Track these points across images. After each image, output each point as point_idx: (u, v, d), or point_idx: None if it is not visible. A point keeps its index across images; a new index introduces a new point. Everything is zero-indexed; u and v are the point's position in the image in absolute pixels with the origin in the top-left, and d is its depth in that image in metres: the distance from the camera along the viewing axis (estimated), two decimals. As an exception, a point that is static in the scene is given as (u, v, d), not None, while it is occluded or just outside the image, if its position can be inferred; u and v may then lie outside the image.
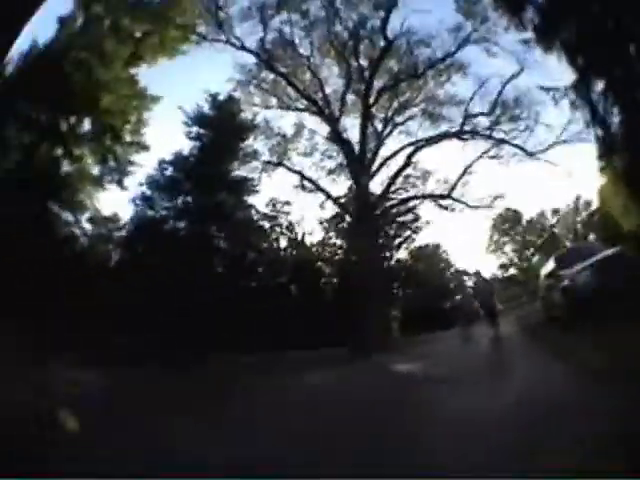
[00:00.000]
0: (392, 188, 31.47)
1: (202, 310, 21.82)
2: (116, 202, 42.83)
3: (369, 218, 28.49)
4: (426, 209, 35.95)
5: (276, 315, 25.42)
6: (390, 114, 31.36)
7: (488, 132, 29.54)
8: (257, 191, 31.06)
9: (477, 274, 60.50)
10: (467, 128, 29.98)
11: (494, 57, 28.28)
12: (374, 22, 28.91)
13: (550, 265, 17.08)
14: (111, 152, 23.44)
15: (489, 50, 28.12)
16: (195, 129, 29.94)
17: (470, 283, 59.60)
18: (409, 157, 30.83)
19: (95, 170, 23.64)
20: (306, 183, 31.49)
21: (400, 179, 31.84)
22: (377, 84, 30.21)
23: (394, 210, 34.11)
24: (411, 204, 34.29)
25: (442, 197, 31.31)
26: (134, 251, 27.26)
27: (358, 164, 29.36)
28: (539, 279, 20.34)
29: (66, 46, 20.46)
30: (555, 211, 65.03)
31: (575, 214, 63.03)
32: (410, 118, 31.43)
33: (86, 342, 16.14)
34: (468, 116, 29.82)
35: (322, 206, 32.84)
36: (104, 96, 21.16)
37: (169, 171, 29.26)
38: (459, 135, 30.27)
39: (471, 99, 29.63)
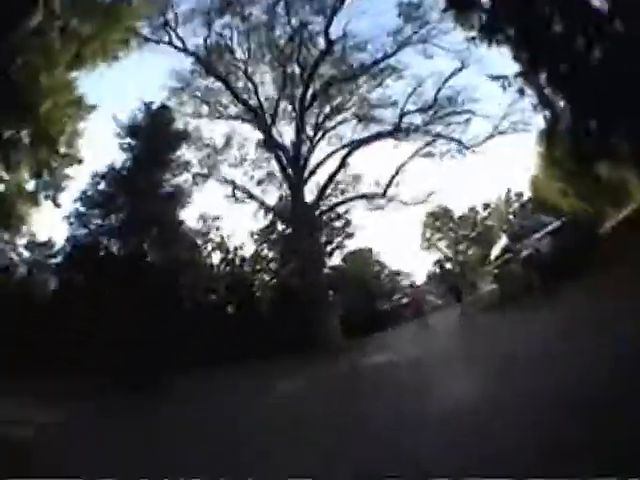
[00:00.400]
0: (326, 193, 31.39)
1: (140, 332, 21.15)
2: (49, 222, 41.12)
3: (303, 225, 28.19)
4: (359, 213, 35.70)
5: (214, 331, 25.42)
6: (322, 119, 31.39)
7: (424, 128, 29.84)
8: (189, 203, 30.77)
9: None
10: (402, 127, 30.16)
11: (431, 59, 29.23)
12: (314, 27, 29.15)
13: (501, 244, 16.95)
14: (46, 165, 21.77)
15: (427, 51, 28.81)
16: (128, 140, 29.34)
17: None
18: (343, 160, 30.81)
19: (30, 185, 22.24)
20: (238, 193, 31.22)
21: (333, 184, 31.88)
22: (311, 89, 30.16)
23: (328, 215, 34.30)
24: (343, 209, 34.97)
25: (376, 197, 31.40)
26: (70, 279, 26.46)
27: (291, 171, 29.22)
28: (490, 263, 20.84)
29: (16, 48, 18.50)
30: (486, 205, 67.39)
31: (507, 206, 65.61)
32: (342, 122, 31.71)
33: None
34: (403, 114, 30.11)
35: (255, 215, 32.68)
36: (45, 102, 19.51)
37: (102, 185, 28.60)
38: (393, 134, 30.50)
39: (408, 98, 30.00)
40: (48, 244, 28.75)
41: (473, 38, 18.61)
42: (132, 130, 29.38)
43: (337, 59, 29.86)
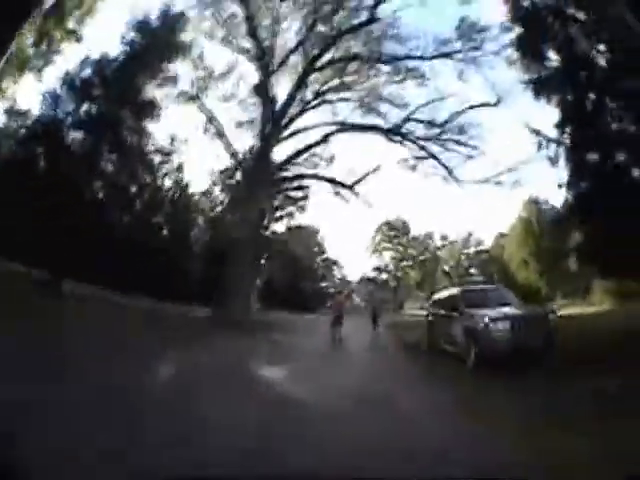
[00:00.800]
0: (297, 160, 29.38)
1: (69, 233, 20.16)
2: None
3: (261, 182, 26.13)
4: (322, 195, 33.77)
5: (142, 255, 24.41)
6: (325, 88, 29.02)
7: (422, 142, 27.88)
8: (159, 116, 27.93)
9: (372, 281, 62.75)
10: (401, 130, 28.20)
11: (464, 82, 27.01)
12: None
13: (450, 295, 15.91)
14: (47, 35, 21.13)
15: (464, 74, 26.51)
16: (131, 35, 26.97)
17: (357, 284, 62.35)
18: (325, 136, 28.65)
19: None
20: (211, 126, 28.55)
21: (306, 155, 29.75)
22: (329, 55, 27.70)
23: (289, 183, 32.12)
24: (306, 183, 32.28)
25: (344, 186, 29.19)
26: (27, 154, 24.67)
27: (272, 124, 26.88)
28: (429, 302, 19.38)
29: None
30: (444, 237, 66.98)
31: (463, 247, 65.59)
32: (344, 100, 29.38)
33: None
34: (408, 119, 28.03)
35: (219, 156, 29.55)
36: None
37: (87, 72, 26.19)
38: (388, 133, 28.47)
39: (420, 106, 27.82)
40: (28, 114, 25.94)
41: (532, 82, 18.00)
42: (139, 26, 27.05)
43: (370, 39, 27.52)
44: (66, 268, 19.51)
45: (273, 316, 31.66)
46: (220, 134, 28.05)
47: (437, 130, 27.31)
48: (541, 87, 17.08)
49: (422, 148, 27.78)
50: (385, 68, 28.45)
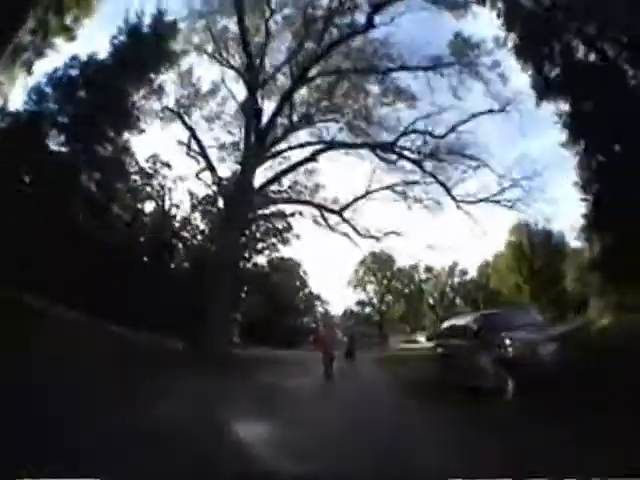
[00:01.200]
0: (281, 181, 28.31)
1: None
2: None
3: (242, 205, 24.39)
4: (300, 222, 32.11)
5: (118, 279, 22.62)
6: (313, 111, 27.51)
7: (418, 157, 26.23)
8: (141, 131, 26.57)
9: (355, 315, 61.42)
10: (394, 148, 26.64)
11: (458, 99, 25.67)
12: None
13: (473, 319, 13.56)
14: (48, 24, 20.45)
15: (457, 91, 25.41)
16: (121, 38, 25.66)
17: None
18: (315, 154, 27.08)
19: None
20: (194, 146, 26.79)
21: (289, 181, 28.66)
22: (317, 69, 26.25)
23: (270, 209, 30.76)
24: (289, 210, 30.71)
25: (331, 212, 27.57)
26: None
27: (256, 144, 25.06)
28: (439, 331, 17.47)
29: None
30: (428, 269, 65.57)
31: (448, 278, 64.10)
32: (332, 121, 27.86)
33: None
34: (404, 133, 26.41)
35: (199, 176, 27.84)
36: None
37: (74, 71, 24.75)
38: (382, 149, 26.78)
39: (417, 120, 26.17)
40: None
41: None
42: (131, 30, 25.83)
43: (360, 56, 26.24)
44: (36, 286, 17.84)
45: (254, 352, 29.85)
46: (203, 155, 26.47)
47: (434, 144, 25.94)
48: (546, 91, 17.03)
49: (419, 165, 26.27)
50: (374, 89, 27.19)
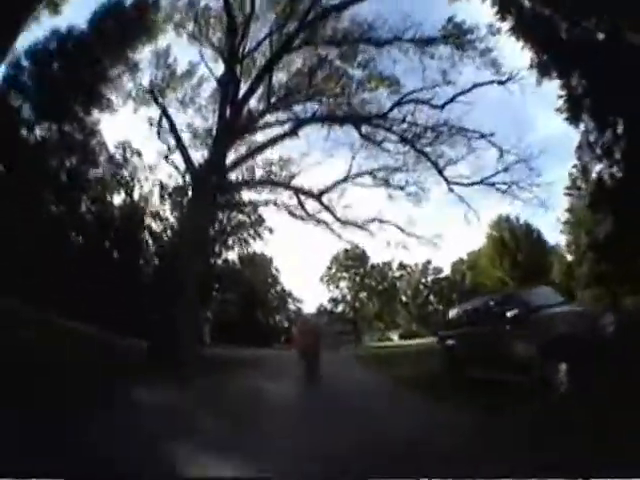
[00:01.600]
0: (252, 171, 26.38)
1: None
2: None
3: (211, 193, 22.95)
4: (273, 215, 30.51)
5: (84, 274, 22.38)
6: (292, 94, 25.60)
7: (411, 132, 24.34)
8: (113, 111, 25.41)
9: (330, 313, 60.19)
10: (384, 124, 24.72)
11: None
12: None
13: (491, 305, 11.71)
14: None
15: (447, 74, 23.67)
16: (103, 11, 24.69)
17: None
18: (295, 128, 25.00)
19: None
20: (165, 132, 24.74)
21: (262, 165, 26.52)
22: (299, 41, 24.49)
23: (242, 197, 28.90)
24: (262, 198, 27.83)
25: (309, 195, 25.77)
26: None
27: (229, 118, 23.27)
28: (447, 319, 15.24)
29: None
30: (403, 266, 64.90)
31: (422, 276, 63.80)
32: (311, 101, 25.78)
33: None
34: (399, 103, 24.39)
35: (168, 158, 25.72)
36: None
37: (52, 45, 24.11)
38: (364, 125, 25.04)
39: (409, 93, 24.38)
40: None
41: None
42: (110, 7, 24.73)
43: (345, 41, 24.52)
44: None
45: (224, 352, 28.25)
46: (175, 136, 24.36)
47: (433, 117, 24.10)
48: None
49: (410, 142, 24.41)
50: (357, 73, 25.32)
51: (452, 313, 14.71)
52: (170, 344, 18.22)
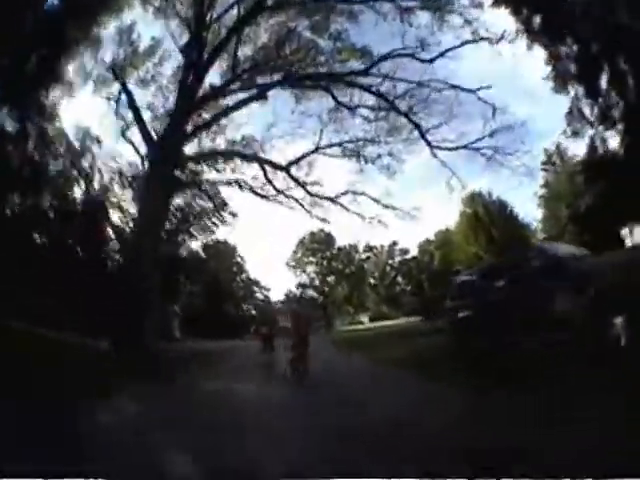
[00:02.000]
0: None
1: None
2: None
3: (170, 167, 21.84)
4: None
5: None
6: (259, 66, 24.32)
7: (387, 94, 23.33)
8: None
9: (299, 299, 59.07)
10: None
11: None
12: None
13: (514, 263, 10.92)
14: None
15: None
16: None
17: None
18: (264, 91, 24.16)
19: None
20: (123, 109, 23.52)
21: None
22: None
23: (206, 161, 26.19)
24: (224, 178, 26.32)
25: (276, 167, 24.74)
26: None
27: (190, 85, 22.15)
28: (453, 287, 13.74)
29: None
30: (369, 248, 64.61)
31: (388, 257, 64.16)
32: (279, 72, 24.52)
33: None
34: (378, 61, 23.25)
35: (125, 134, 24.23)
36: None
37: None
38: (341, 85, 24.08)
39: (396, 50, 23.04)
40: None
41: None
42: None
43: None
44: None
45: (195, 346, 26.66)
46: (134, 112, 23.10)
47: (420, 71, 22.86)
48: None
49: (391, 103, 23.25)
50: (327, 45, 24.06)
51: (461, 279, 13.49)
52: (131, 342, 17.06)
